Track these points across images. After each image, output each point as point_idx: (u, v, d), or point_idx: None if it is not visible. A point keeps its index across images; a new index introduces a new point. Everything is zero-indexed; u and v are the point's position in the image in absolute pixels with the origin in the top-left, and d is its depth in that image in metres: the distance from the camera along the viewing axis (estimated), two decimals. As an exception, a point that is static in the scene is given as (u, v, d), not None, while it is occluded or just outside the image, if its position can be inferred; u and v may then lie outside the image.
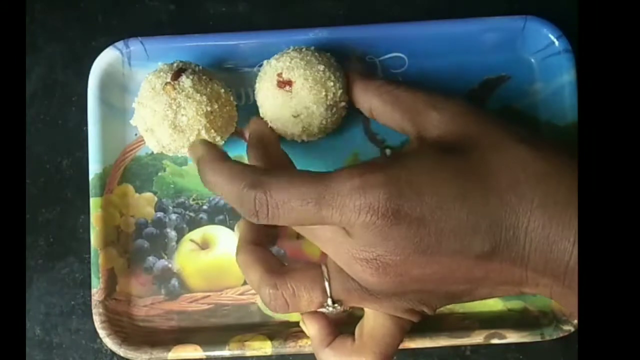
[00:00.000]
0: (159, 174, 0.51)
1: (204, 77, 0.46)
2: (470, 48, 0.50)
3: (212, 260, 0.50)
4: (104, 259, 0.49)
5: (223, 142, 0.47)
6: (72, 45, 0.53)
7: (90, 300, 0.49)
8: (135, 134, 0.50)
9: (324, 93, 0.45)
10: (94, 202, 0.49)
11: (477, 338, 0.47)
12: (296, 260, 0.50)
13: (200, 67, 0.47)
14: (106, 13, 0.53)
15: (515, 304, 0.49)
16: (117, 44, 0.49)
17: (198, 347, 0.48)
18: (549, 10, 0.50)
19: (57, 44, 0.53)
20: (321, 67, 0.45)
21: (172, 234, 0.50)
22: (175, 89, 0.45)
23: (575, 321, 0.47)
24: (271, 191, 0.36)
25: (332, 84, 0.45)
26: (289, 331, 0.49)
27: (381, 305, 0.40)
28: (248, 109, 0.50)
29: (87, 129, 0.49)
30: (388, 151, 0.50)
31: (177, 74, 0.45)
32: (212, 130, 0.46)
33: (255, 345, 0.48)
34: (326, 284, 0.40)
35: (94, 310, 0.48)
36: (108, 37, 0.51)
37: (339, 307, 0.41)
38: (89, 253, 0.49)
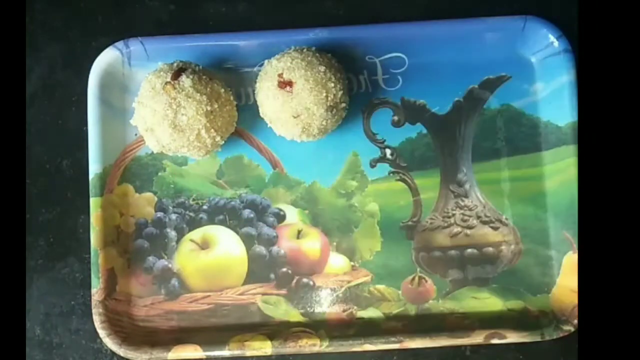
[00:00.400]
0: (159, 174, 0.51)
1: (204, 77, 0.46)
2: (471, 48, 0.50)
3: (212, 260, 0.50)
4: (104, 259, 0.49)
5: (223, 141, 0.48)
6: (72, 45, 0.53)
7: (90, 300, 0.49)
8: (135, 134, 0.50)
9: (324, 94, 0.45)
10: (94, 202, 0.49)
11: (477, 338, 0.47)
12: (297, 260, 0.50)
13: (200, 67, 0.47)
14: (106, 13, 0.53)
15: (515, 304, 0.49)
16: (117, 44, 0.49)
17: (198, 347, 0.48)
18: (549, 10, 0.50)
19: (57, 44, 0.53)
20: (322, 68, 0.45)
21: (172, 234, 0.50)
22: (175, 88, 0.45)
23: (575, 321, 0.47)
24: None
25: (332, 85, 0.45)
26: (289, 331, 0.49)
27: None
28: (248, 108, 0.50)
29: (87, 129, 0.49)
30: (388, 151, 0.50)
31: (177, 73, 0.45)
32: (212, 130, 0.46)
33: (255, 345, 0.48)
34: None
35: (94, 310, 0.48)
36: (108, 37, 0.51)
37: None
38: (89, 253, 0.49)
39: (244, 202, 0.50)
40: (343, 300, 0.49)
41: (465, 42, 0.49)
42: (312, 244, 0.50)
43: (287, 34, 0.49)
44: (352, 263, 0.50)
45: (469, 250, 0.49)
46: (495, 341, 0.47)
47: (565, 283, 0.48)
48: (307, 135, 0.47)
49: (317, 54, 0.46)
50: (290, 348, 0.48)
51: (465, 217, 0.50)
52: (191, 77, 0.45)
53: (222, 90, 0.47)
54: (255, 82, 0.48)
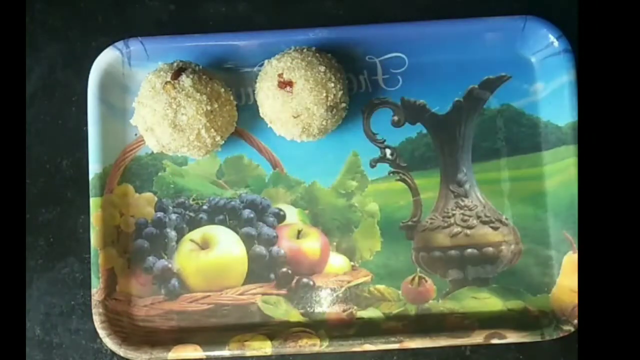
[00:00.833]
0: (159, 174, 0.51)
1: (204, 77, 0.46)
2: (470, 48, 0.50)
3: (212, 260, 0.50)
4: (104, 259, 0.49)
5: (223, 141, 0.48)
6: (72, 45, 0.53)
7: (90, 300, 0.49)
8: (135, 134, 0.50)
9: (324, 94, 0.45)
10: (94, 202, 0.49)
11: (477, 338, 0.47)
12: (297, 260, 0.50)
13: (200, 67, 0.47)
14: (106, 13, 0.53)
15: (515, 304, 0.49)
16: (117, 44, 0.49)
17: (198, 347, 0.48)
18: (549, 10, 0.50)
19: (57, 44, 0.53)
20: (322, 69, 0.45)
21: (172, 234, 0.50)
22: (175, 88, 0.45)
23: (575, 321, 0.47)
24: None
25: (332, 85, 0.45)
26: (289, 331, 0.49)
27: None
28: (248, 109, 0.50)
29: (87, 129, 0.49)
30: (388, 151, 0.50)
31: (177, 73, 0.45)
32: (212, 130, 0.46)
33: (255, 345, 0.48)
34: None
35: (94, 310, 0.48)
36: (108, 37, 0.51)
37: None
38: (89, 253, 0.49)
39: (244, 202, 0.50)
40: (343, 300, 0.49)
41: (465, 42, 0.49)
42: (312, 244, 0.50)
43: (287, 34, 0.49)
44: (352, 263, 0.50)
45: (469, 250, 0.49)
46: (495, 341, 0.47)
47: (565, 283, 0.48)
48: (307, 135, 0.47)
49: (317, 54, 0.46)
50: (290, 348, 0.48)
51: (465, 217, 0.50)
52: (191, 76, 0.45)
53: (222, 90, 0.47)
54: (255, 82, 0.48)
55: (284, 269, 0.50)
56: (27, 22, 0.52)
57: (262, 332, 0.49)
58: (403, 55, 0.50)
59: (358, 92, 0.50)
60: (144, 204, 0.50)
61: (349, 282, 0.50)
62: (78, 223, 0.51)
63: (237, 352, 0.48)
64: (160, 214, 0.50)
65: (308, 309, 0.50)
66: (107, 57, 0.49)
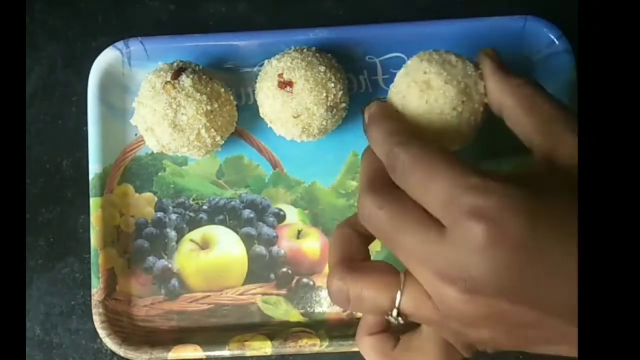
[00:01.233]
0: (159, 174, 0.51)
1: (204, 77, 0.46)
2: (470, 48, 0.49)
3: (212, 260, 0.50)
4: (104, 259, 0.49)
5: (223, 141, 0.48)
6: (72, 45, 0.53)
7: (90, 300, 0.49)
8: (135, 134, 0.50)
9: (324, 94, 0.45)
10: (94, 202, 0.49)
11: (477, 338, 0.47)
12: (297, 260, 0.50)
13: (200, 67, 0.47)
14: (106, 13, 0.53)
15: (515, 304, 0.49)
16: (117, 44, 0.49)
17: (198, 347, 0.48)
18: (549, 10, 0.50)
19: (57, 44, 0.53)
20: (322, 68, 0.45)
21: (172, 234, 0.50)
22: (175, 88, 0.45)
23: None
24: (409, 153, 0.36)
25: (332, 85, 0.45)
26: (289, 331, 0.49)
27: (445, 331, 0.37)
28: (248, 109, 0.50)
29: (87, 129, 0.49)
30: (388, 151, 0.50)
31: (177, 73, 0.45)
32: (212, 130, 0.46)
33: (255, 345, 0.48)
34: (398, 294, 0.36)
35: (94, 310, 0.48)
36: (108, 37, 0.51)
37: (401, 321, 0.37)
38: (89, 253, 0.49)
39: (244, 202, 0.50)
40: (343, 300, 0.49)
41: (465, 42, 0.49)
42: (312, 244, 0.50)
43: (287, 34, 0.49)
44: (352, 263, 0.50)
45: (469, 250, 0.49)
46: (495, 341, 0.47)
47: (565, 283, 0.48)
48: (307, 135, 0.47)
49: (317, 54, 0.46)
50: (290, 348, 0.48)
51: (465, 217, 0.50)
52: (191, 76, 0.45)
53: (222, 90, 0.47)
54: (255, 82, 0.48)
55: (284, 269, 0.50)
56: (27, 22, 0.52)
57: (262, 332, 0.49)
58: (403, 55, 0.50)
59: (358, 92, 0.50)
60: (144, 204, 0.50)
61: (349, 282, 0.49)
62: (78, 223, 0.51)
63: (237, 352, 0.48)
64: (160, 214, 0.50)
65: (308, 309, 0.50)
66: (107, 57, 0.49)
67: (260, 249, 0.50)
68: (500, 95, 0.40)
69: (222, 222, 0.50)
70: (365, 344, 0.40)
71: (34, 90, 0.52)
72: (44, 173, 0.52)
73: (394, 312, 0.37)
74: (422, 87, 0.41)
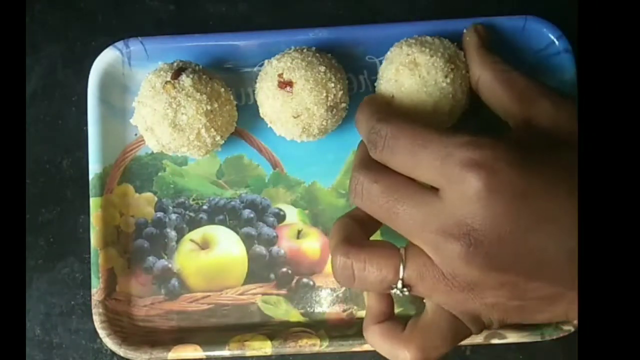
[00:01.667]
0: (159, 173, 0.51)
1: (204, 77, 0.46)
2: (470, 48, 0.50)
3: (212, 260, 0.50)
4: (104, 259, 0.49)
5: (223, 141, 0.48)
6: (72, 45, 0.53)
7: (90, 300, 0.49)
8: (135, 134, 0.50)
9: (324, 94, 0.45)
10: (94, 202, 0.49)
11: (477, 338, 0.47)
12: (297, 260, 0.50)
13: (200, 67, 0.47)
14: (106, 13, 0.53)
15: (515, 304, 0.49)
16: (117, 44, 0.49)
17: (198, 347, 0.48)
18: (549, 10, 0.50)
19: (57, 44, 0.53)
20: (322, 68, 0.45)
21: (172, 234, 0.50)
22: (175, 87, 0.45)
23: (575, 321, 0.47)
24: (391, 125, 0.38)
25: (332, 85, 0.45)
26: (289, 331, 0.49)
27: (451, 299, 0.37)
28: (248, 109, 0.50)
29: (87, 129, 0.49)
30: (388, 151, 0.50)
31: (177, 73, 0.45)
32: (212, 129, 0.46)
33: (255, 345, 0.48)
34: (401, 265, 0.37)
35: (94, 310, 0.48)
36: (108, 37, 0.51)
37: (406, 292, 0.38)
38: (89, 253, 0.49)
39: (244, 202, 0.50)
40: (343, 300, 0.49)
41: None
42: (312, 244, 0.50)
43: (287, 34, 0.49)
44: (352, 263, 0.50)
45: (469, 250, 0.49)
46: (495, 341, 0.47)
47: (565, 283, 0.48)
48: (307, 135, 0.47)
49: (317, 54, 0.46)
50: (290, 348, 0.48)
51: (465, 217, 0.50)
52: (191, 76, 0.45)
53: (222, 89, 0.47)
54: (255, 82, 0.48)
55: (284, 269, 0.50)
56: (27, 22, 0.52)
57: (262, 332, 0.49)
58: (403, 55, 0.50)
59: (358, 92, 0.50)
60: (144, 204, 0.50)
61: (349, 282, 0.49)
62: (78, 223, 0.51)
63: (237, 352, 0.48)
64: (160, 214, 0.50)
65: (308, 309, 0.50)
66: (107, 57, 0.49)
67: (260, 249, 0.50)
68: (480, 68, 0.43)
69: (222, 222, 0.50)
70: (374, 332, 0.41)
71: (34, 90, 0.52)
72: (44, 173, 0.52)
73: (399, 284, 0.37)
74: (410, 66, 0.44)
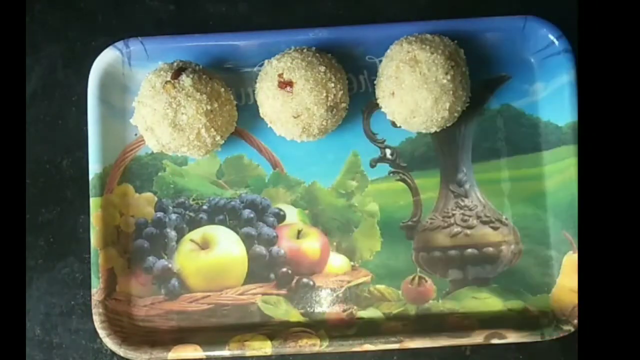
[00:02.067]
0: (159, 174, 0.51)
1: (204, 76, 0.46)
2: (471, 48, 0.50)
3: (212, 260, 0.50)
4: (104, 259, 0.49)
5: (223, 141, 0.48)
6: (72, 45, 0.53)
7: (90, 300, 0.49)
8: (135, 134, 0.50)
9: (324, 94, 0.45)
10: (94, 202, 0.49)
11: (477, 338, 0.47)
12: (297, 260, 0.50)
13: (200, 67, 0.47)
14: (106, 13, 0.53)
15: (515, 304, 0.49)
16: (117, 44, 0.49)
17: (198, 347, 0.48)
18: (549, 10, 0.50)
19: (57, 44, 0.53)
20: (322, 69, 0.45)
21: (172, 234, 0.50)
22: (175, 87, 0.45)
23: (575, 321, 0.47)
24: None
25: (332, 85, 0.45)
26: (289, 331, 0.49)
27: None
28: (248, 109, 0.50)
29: (87, 129, 0.49)
30: (388, 151, 0.50)
31: (177, 73, 0.45)
32: (212, 129, 0.46)
33: (255, 345, 0.48)
34: None
35: (94, 310, 0.48)
36: (108, 37, 0.51)
37: None
38: (89, 253, 0.49)
39: (244, 202, 0.50)
40: (343, 300, 0.49)
41: (465, 42, 0.49)
42: (312, 244, 0.50)
43: (287, 34, 0.49)
44: (352, 263, 0.50)
45: (469, 250, 0.49)
46: (495, 341, 0.47)
47: (565, 283, 0.48)
48: (307, 135, 0.47)
49: (317, 54, 0.46)
50: (290, 348, 0.48)
51: (465, 217, 0.50)
52: (191, 76, 0.45)
53: (222, 89, 0.47)
54: (255, 82, 0.48)
55: (284, 269, 0.50)
56: (27, 22, 0.52)
57: (262, 332, 0.49)
58: (403, 55, 0.50)
59: (358, 92, 0.50)
60: (144, 204, 0.50)
61: (349, 282, 0.50)
62: (78, 223, 0.51)
63: (237, 352, 0.48)
64: (160, 214, 0.50)
65: (308, 309, 0.50)
66: (107, 57, 0.49)
67: (260, 249, 0.50)
68: None
69: (222, 222, 0.50)
70: None
71: (34, 90, 0.52)
72: (44, 173, 0.52)
73: None
74: (411, 63, 0.44)
